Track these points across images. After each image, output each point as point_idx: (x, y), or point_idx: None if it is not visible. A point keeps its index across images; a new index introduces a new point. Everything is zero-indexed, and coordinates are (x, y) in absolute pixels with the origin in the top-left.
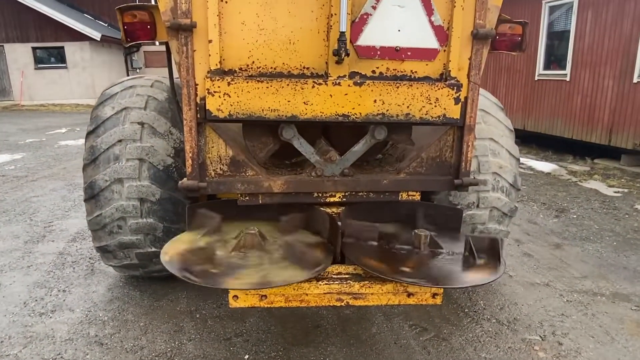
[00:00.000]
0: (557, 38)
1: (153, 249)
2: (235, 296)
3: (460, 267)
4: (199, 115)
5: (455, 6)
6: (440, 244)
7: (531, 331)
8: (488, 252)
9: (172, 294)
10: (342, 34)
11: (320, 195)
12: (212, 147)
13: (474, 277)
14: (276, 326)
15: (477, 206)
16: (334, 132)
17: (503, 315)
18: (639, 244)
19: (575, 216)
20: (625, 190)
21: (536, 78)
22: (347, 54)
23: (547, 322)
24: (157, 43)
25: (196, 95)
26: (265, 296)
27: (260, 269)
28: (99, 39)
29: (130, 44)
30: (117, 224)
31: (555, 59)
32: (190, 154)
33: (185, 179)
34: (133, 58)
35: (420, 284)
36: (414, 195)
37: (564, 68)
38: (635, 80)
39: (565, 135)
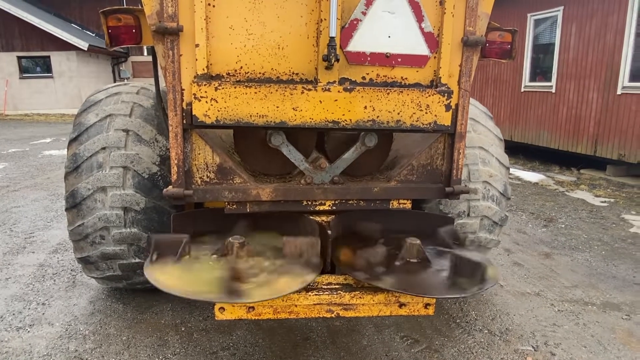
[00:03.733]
0: (543, 50)
1: (137, 260)
2: (222, 308)
3: (452, 276)
4: (185, 121)
5: (445, 13)
6: (430, 253)
7: (523, 341)
8: (476, 264)
9: (157, 307)
10: (332, 39)
11: (309, 203)
12: (199, 153)
13: (465, 287)
14: (264, 339)
15: (468, 215)
16: (328, 142)
17: (495, 326)
18: (627, 254)
19: (563, 226)
20: (612, 200)
21: (522, 90)
22: (337, 60)
23: (539, 332)
24: (145, 52)
25: (182, 100)
26: (253, 308)
27: (258, 278)
28: (86, 49)
29: (114, 48)
30: (99, 234)
31: (540, 71)
32: (176, 161)
33: (170, 186)
34: (121, 68)
35: (412, 293)
36: (405, 204)
37: (549, 80)
38: (619, 92)
39: (551, 146)
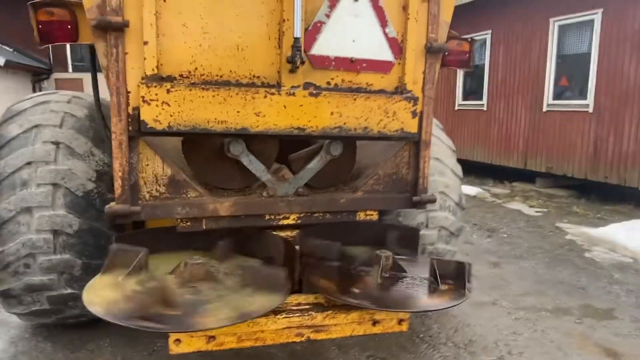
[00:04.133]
0: (474, 71)
1: (69, 291)
2: (178, 340)
3: (425, 290)
4: (131, 128)
5: (409, 18)
6: (402, 266)
7: (488, 352)
8: (453, 276)
9: (93, 343)
10: (297, 40)
11: (272, 217)
12: (147, 164)
13: (440, 301)
14: None
15: (427, 226)
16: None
17: (458, 338)
18: (568, 260)
19: (505, 235)
20: (545, 210)
21: (456, 108)
22: (302, 62)
23: (502, 342)
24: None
25: (128, 104)
26: (214, 337)
27: (224, 301)
28: (2, 65)
29: (45, 45)
30: (23, 262)
31: (472, 90)
32: (120, 173)
33: (113, 203)
34: (42, 85)
35: (390, 310)
36: (372, 215)
37: (480, 99)
38: (544, 109)
39: (485, 161)
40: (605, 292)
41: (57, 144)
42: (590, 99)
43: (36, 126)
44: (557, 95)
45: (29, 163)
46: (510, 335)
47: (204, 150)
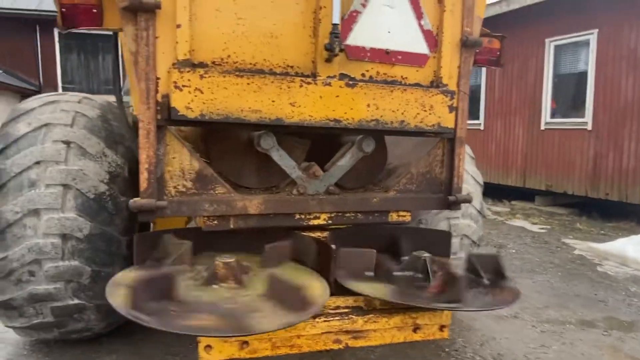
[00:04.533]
0: (470, 90)
1: (75, 301)
2: (209, 346)
3: (471, 289)
4: (159, 116)
5: (445, 11)
6: (442, 266)
7: None
8: (491, 270)
9: None
10: (336, 26)
11: (302, 217)
12: (174, 157)
13: (491, 300)
14: None
15: None
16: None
17: (486, 352)
18: (581, 273)
19: (514, 251)
20: (548, 226)
21: None
22: (342, 49)
23: (532, 355)
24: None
25: (157, 91)
26: (247, 343)
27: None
28: None
29: (68, 30)
30: (28, 269)
31: (469, 110)
32: (147, 165)
33: (137, 198)
34: None
35: (443, 308)
36: (404, 216)
37: (477, 118)
38: (542, 127)
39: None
40: (625, 304)
41: (68, 143)
42: (588, 117)
43: (46, 125)
44: (554, 114)
45: (38, 162)
46: (539, 348)
47: (228, 146)
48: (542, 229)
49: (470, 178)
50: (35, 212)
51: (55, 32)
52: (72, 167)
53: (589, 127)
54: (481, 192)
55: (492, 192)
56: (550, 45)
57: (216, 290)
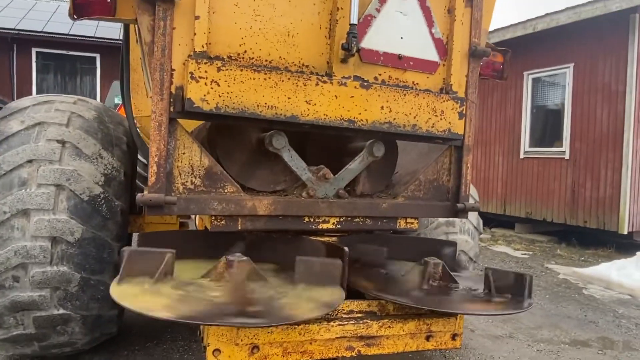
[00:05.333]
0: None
1: (61, 311)
2: (217, 350)
3: (481, 296)
4: (172, 108)
5: (455, 21)
6: (452, 273)
7: None
8: (510, 288)
9: None
10: (353, 26)
11: (312, 220)
12: (183, 153)
13: (499, 307)
14: None
15: None
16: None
17: None
18: (568, 296)
19: None
20: (530, 252)
21: None
22: (358, 50)
23: None
24: None
25: (171, 82)
26: (258, 347)
27: (292, 295)
28: None
29: (81, 19)
30: (12, 274)
31: None
32: (157, 158)
33: (145, 192)
34: None
35: (449, 311)
36: (412, 223)
37: None
38: (522, 156)
39: None
40: (615, 325)
41: (63, 142)
42: (566, 146)
43: (40, 123)
44: (533, 143)
45: (30, 161)
46: None
47: (235, 146)
48: (525, 254)
49: None
50: (25, 213)
51: (33, 51)
52: (67, 167)
53: (567, 156)
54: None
55: None
56: (528, 78)
57: (230, 283)
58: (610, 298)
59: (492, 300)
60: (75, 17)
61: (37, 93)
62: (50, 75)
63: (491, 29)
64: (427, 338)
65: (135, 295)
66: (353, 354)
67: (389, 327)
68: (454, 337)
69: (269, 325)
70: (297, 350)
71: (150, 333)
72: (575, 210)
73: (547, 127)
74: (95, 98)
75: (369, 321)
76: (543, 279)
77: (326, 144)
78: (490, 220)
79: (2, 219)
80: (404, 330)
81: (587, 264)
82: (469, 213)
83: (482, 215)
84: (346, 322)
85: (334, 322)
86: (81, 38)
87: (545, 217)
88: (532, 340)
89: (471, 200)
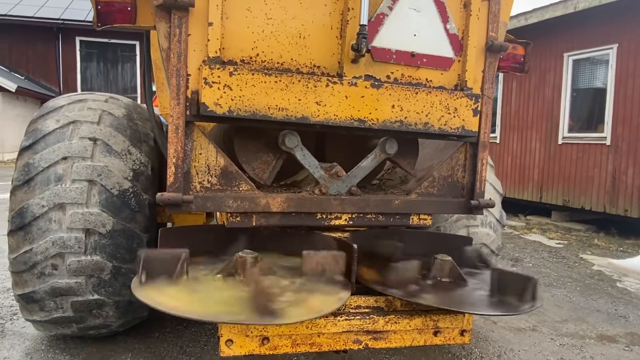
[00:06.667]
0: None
1: (95, 297)
2: (230, 340)
3: (488, 295)
4: (188, 112)
5: (471, 15)
6: (462, 270)
7: None
8: (516, 290)
9: (113, 358)
10: (363, 27)
11: (324, 216)
12: (200, 153)
13: (506, 307)
14: None
15: None
16: (327, 151)
17: None
18: (600, 289)
19: (530, 265)
20: (565, 241)
21: None
22: (368, 50)
23: None
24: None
25: (187, 87)
26: (268, 339)
27: (283, 298)
28: (14, 90)
29: (103, 27)
30: (51, 262)
31: None
32: (174, 159)
33: (164, 192)
34: None
35: (453, 309)
36: (425, 219)
37: (493, 131)
38: (560, 142)
39: None
40: None
41: (94, 140)
42: (607, 132)
43: (73, 122)
44: (572, 128)
45: (64, 158)
46: None
47: (250, 145)
48: (559, 244)
49: (490, 187)
50: (61, 207)
51: (77, 40)
52: (98, 163)
53: (608, 142)
54: (500, 201)
55: (507, 206)
56: (568, 60)
57: (246, 281)
58: None
59: (495, 301)
60: (99, 25)
61: (81, 81)
62: (93, 63)
63: (529, 9)
64: (435, 333)
65: (154, 294)
66: (360, 347)
67: (395, 322)
68: (462, 333)
69: (276, 324)
70: (306, 342)
71: (179, 317)
72: (615, 198)
73: (588, 111)
74: (135, 84)
75: (375, 317)
76: (576, 270)
77: (346, 140)
78: (525, 208)
79: (41, 212)
80: (410, 326)
81: (625, 255)
82: (491, 206)
83: (517, 202)
84: (353, 317)
85: (341, 317)
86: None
87: (583, 205)
88: (556, 334)
89: (493, 193)
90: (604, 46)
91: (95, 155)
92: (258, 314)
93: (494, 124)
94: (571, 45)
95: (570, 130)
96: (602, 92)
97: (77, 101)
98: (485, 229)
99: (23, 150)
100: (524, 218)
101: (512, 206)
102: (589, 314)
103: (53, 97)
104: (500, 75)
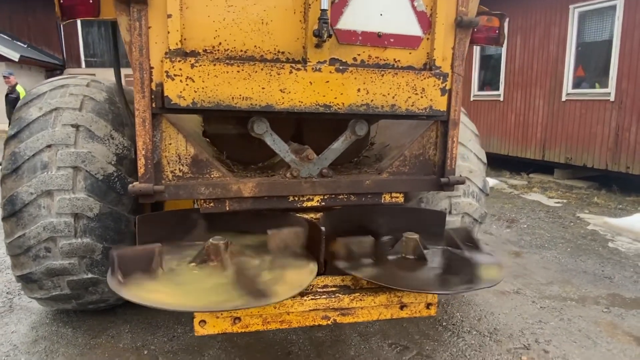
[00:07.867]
0: (490, 61)
1: (89, 275)
2: (203, 321)
3: (457, 270)
4: (154, 105)
5: None
6: (430, 248)
7: (514, 340)
8: (468, 242)
9: (113, 329)
10: (324, 12)
11: (296, 199)
12: (170, 143)
13: (474, 281)
14: (241, 358)
15: (450, 212)
16: (306, 132)
17: (483, 326)
18: (591, 249)
19: (525, 226)
20: (564, 200)
21: (472, 99)
22: (330, 36)
23: (528, 330)
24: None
25: (151, 80)
26: (239, 319)
27: (262, 278)
28: (17, 60)
29: (67, 21)
30: (44, 245)
31: (488, 81)
32: (143, 152)
33: (136, 182)
34: None
35: (416, 290)
36: (397, 197)
37: (497, 89)
38: (563, 99)
39: (501, 152)
40: (632, 281)
41: (77, 127)
42: (611, 87)
43: (56, 109)
44: (576, 84)
45: (49, 146)
46: (536, 323)
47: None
48: (558, 203)
49: (474, 156)
50: (48, 193)
51: None
52: (81, 149)
53: (612, 97)
54: (484, 170)
55: (510, 165)
56: (574, 12)
57: (223, 267)
58: (636, 251)
59: (459, 278)
60: (63, 19)
61: (84, 46)
62: (94, 29)
63: None
64: (401, 307)
65: (139, 292)
66: (329, 322)
67: (360, 300)
68: (428, 306)
69: (273, 304)
70: (276, 320)
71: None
72: (617, 155)
73: (592, 66)
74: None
75: (340, 295)
76: (570, 230)
77: (324, 122)
78: (528, 166)
79: (30, 199)
80: (375, 303)
81: (624, 213)
82: (474, 175)
83: (520, 160)
84: (319, 297)
85: (307, 297)
86: None
87: (585, 163)
88: (539, 297)
89: (477, 163)
90: None
91: (78, 142)
92: (252, 298)
93: (498, 82)
94: None
95: (575, 86)
96: (607, 46)
97: (59, 87)
98: (467, 199)
99: (9, 139)
100: (527, 176)
101: (515, 165)
102: (575, 275)
103: (57, 64)
104: (505, 29)
